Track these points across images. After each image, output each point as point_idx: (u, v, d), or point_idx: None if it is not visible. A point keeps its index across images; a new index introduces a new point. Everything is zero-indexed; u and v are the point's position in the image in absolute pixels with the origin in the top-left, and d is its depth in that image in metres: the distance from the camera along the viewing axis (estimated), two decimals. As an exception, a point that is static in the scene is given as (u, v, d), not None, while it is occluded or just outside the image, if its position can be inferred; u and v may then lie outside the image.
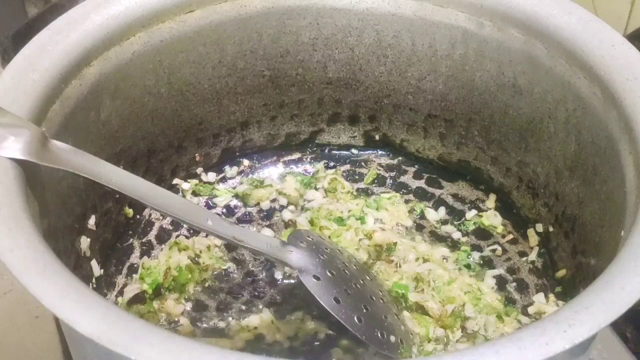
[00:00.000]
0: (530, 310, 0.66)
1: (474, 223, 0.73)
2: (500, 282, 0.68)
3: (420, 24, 0.69)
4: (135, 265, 0.69)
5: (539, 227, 0.71)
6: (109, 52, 0.61)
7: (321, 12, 0.70)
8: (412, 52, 0.71)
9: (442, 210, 0.75)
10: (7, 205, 0.45)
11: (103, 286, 0.66)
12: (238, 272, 0.69)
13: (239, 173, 0.78)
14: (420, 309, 0.64)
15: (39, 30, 0.58)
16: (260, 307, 0.66)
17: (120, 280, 0.68)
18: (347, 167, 0.79)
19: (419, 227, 0.73)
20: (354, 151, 0.80)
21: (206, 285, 0.68)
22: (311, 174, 0.78)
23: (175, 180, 0.75)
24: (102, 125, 0.63)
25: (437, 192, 0.77)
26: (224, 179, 0.77)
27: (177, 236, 0.72)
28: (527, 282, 0.69)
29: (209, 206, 0.75)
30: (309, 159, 0.79)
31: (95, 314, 0.39)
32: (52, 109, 0.56)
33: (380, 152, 0.80)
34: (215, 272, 0.69)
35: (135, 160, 0.69)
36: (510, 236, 0.72)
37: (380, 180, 0.78)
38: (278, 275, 0.69)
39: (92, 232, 0.64)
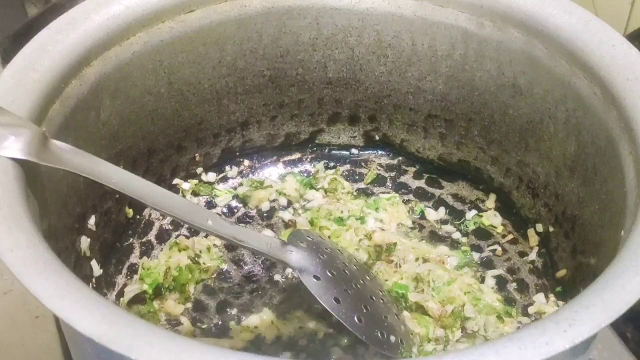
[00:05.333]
0: (530, 310, 0.66)
1: (474, 223, 0.73)
2: (500, 282, 0.68)
3: (420, 24, 0.69)
4: (135, 266, 0.69)
5: (539, 227, 0.71)
6: (109, 52, 0.61)
7: (321, 12, 0.70)
8: (412, 52, 0.71)
9: (442, 210, 0.75)
10: (7, 205, 0.45)
11: (103, 286, 0.66)
12: (238, 272, 0.69)
13: (239, 173, 0.78)
14: (420, 309, 0.64)
15: (39, 30, 0.58)
16: (260, 307, 0.66)
17: (120, 280, 0.68)
18: (347, 167, 0.79)
19: (419, 227, 0.73)
20: (354, 151, 0.80)
21: (206, 285, 0.68)
22: (311, 174, 0.78)
23: (175, 180, 0.75)
24: (102, 125, 0.63)
25: (437, 192, 0.77)
26: (224, 179, 0.77)
27: (177, 236, 0.72)
28: (527, 282, 0.69)
29: (209, 206, 0.75)
30: (309, 159, 0.79)
31: (95, 313, 0.39)
32: (52, 109, 0.56)
33: (380, 152, 0.80)
34: (215, 272, 0.69)
35: (135, 160, 0.69)
36: (510, 236, 0.72)
37: (380, 181, 0.78)
38: (278, 275, 0.69)
39: (92, 232, 0.64)
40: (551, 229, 0.69)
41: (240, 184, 0.77)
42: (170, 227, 0.72)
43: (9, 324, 0.73)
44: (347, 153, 0.80)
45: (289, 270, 0.68)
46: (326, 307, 0.57)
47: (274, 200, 0.76)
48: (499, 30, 0.65)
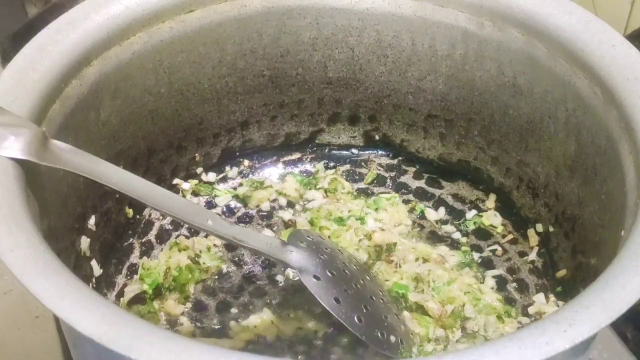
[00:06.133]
0: (530, 310, 0.66)
1: (474, 223, 0.73)
2: (500, 282, 0.68)
3: (420, 24, 0.69)
4: (135, 266, 0.69)
5: (539, 227, 0.71)
6: (109, 52, 0.61)
7: (321, 12, 0.70)
8: (412, 52, 0.71)
9: (442, 210, 0.75)
10: (7, 205, 0.45)
11: (103, 286, 0.66)
12: (238, 272, 0.69)
13: (239, 173, 0.78)
14: (420, 309, 0.64)
15: (39, 30, 0.58)
16: (260, 307, 0.66)
17: (120, 280, 0.68)
18: (347, 167, 0.79)
19: (419, 227, 0.73)
20: (354, 151, 0.80)
21: (206, 285, 0.68)
22: (311, 174, 0.78)
23: (175, 180, 0.75)
24: (102, 125, 0.63)
25: (437, 192, 0.77)
26: (224, 179, 0.77)
27: (177, 236, 0.72)
28: (527, 282, 0.69)
29: (209, 206, 0.75)
30: (309, 159, 0.79)
31: (95, 313, 0.39)
32: (52, 109, 0.56)
33: (380, 152, 0.80)
34: (215, 272, 0.69)
35: (135, 160, 0.69)
36: (510, 236, 0.72)
37: (380, 181, 0.78)
38: (278, 275, 0.69)
39: (92, 232, 0.64)
40: (551, 229, 0.69)
41: (240, 184, 0.77)
42: (170, 227, 0.72)
43: (9, 324, 0.73)
44: (347, 153, 0.80)
45: (289, 270, 0.68)
46: (326, 307, 0.57)
47: (274, 200, 0.76)
48: (499, 30, 0.65)
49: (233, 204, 0.76)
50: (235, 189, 0.77)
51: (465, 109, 0.72)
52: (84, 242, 0.62)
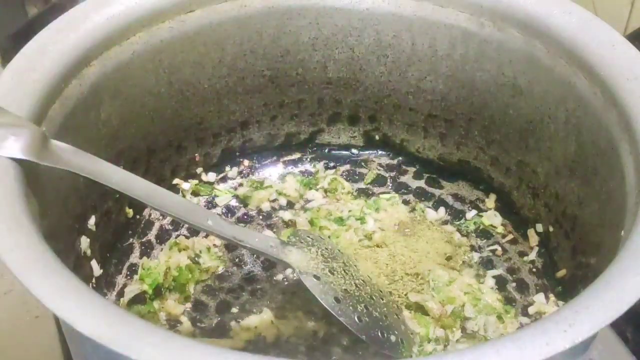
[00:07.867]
0: (530, 310, 0.66)
1: (474, 223, 0.73)
2: (500, 282, 0.68)
3: (420, 24, 0.69)
4: (135, 266, 0.69)
5: (539, 227, 0.71)
6: (109, 52, 0.61)
7: (321, 12, 0.70)
8: (412, 52, 0.71)
9: (442, 210, 0.75)
10: (7, 205, 0.45)
11: (103, 286, 0.66)
12: (238, 272, 0.69)
13: (239, 173, 0.78)
14: (420, 309, 0.64)
15: (39, 30, 0.58)
16: (260, 307, 0.66)
17: (120, 280, 0.68)
18: (347, 167, 0.79)
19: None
20: (354, 151, 0.80)
21: (206, 285, 0.68)
22: (311, 174, 0.78)
23: (175, 180, 0.75)
24: (102, 125, 0.63)
25: (437, 192, 0.77)
26: (224, 179, 0.77)
27: (177, 236, 0.72)
28: (527, 282, 0.69)
29: (209, 206, 0.75)
30: (309, 159, 0.79)
31: (95, 313, 0.39)
32: (52, 109, 0.56)
33: (380, 152, 0.80)
34: (215, 272, 0.69)
35: (135, 160, 0.69)
36: (510, 236, 0.72)
37: (380, 181, 0.78)
38: (278, 275, 0.69)
39: (92, 232, 0.64)
40: (551, 229, 0.69)
41: (241, 184, 0.77)
42: (170, 227, 0.72)
43: (9, 324, 0.73)
44: (347, 153, 0.80)
45: (289, 270, 0.68)
46: (326, 306, 0.57)
47: (274, 201, 0.76)
48: (499, 30, 0.65)
49: (233, 204, 0.76)
50: (235, 189, 0.77)
51: (465, 109, 0.72)
52: (84, 242, 0.62)
